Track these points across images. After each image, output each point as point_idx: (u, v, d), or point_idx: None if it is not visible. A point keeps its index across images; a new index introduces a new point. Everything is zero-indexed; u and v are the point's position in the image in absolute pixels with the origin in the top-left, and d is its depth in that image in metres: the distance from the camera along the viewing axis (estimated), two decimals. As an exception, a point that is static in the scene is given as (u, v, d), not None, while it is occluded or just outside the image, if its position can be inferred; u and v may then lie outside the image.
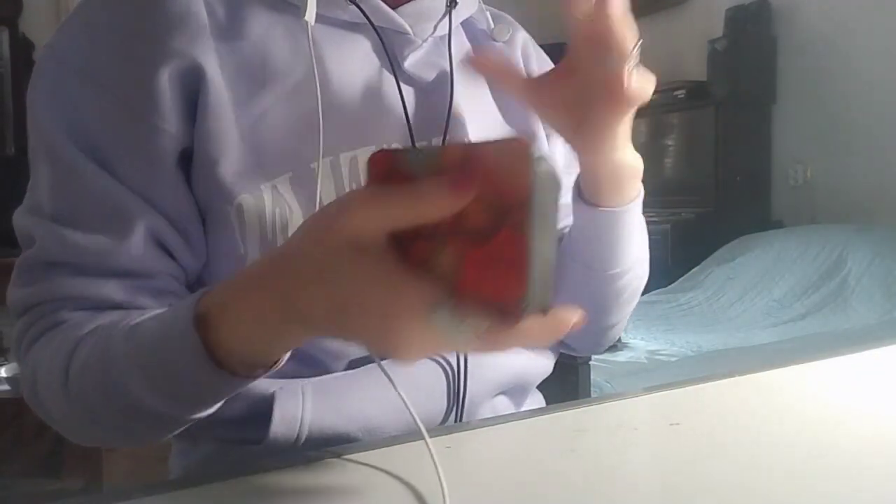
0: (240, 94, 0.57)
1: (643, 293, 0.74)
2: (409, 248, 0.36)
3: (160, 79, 0.54)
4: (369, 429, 0.57)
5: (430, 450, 0.45)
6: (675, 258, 3.14)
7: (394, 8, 0.63)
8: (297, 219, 0.56)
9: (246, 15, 0.59)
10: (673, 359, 2.07)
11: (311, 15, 0.58)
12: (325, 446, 0.50)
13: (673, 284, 3.03)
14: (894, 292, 2.46)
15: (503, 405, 0.67)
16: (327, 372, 0.58)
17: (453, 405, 0.61)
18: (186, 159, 0.56)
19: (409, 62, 0.64)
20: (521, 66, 0.74)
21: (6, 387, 1.96)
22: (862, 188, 2.95)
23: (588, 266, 0.66)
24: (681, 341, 2.24)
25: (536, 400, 0.75)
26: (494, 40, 0.74)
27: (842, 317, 2.43)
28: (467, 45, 0.72)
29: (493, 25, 0.74)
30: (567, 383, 0.89)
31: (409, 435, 0.50)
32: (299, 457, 0.47)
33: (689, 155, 3.43)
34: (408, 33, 0.64)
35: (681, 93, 3.38)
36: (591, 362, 0.95)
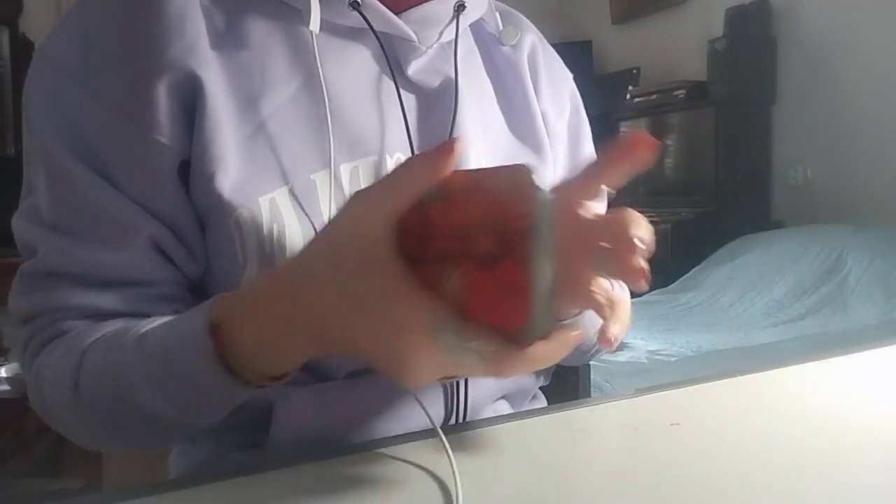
0: (238, 105, 0.56)
1: (643, 293, 0.74)
2: (417, 270, 0.36)
3: (157, 91, 0.53)
4: (370, 435, 0.57)
5: (445, 445, 0.45)
6: (675, 258, 3.14)
7: (398, 13, 0.61)
8: (295, 232, 0.55)
9: (244, 22, 0.58)
10: (673, 359, 2.07)
11: (315, 24, 0.57)
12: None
13: (673, 284, 3.03)
14: (894, 292, 2.46)
15: (504, 409, 0.66)
16: (328, 379, 0.58)
17: (452, 412, 0.61)
18: (185, 170, 0.55)
19: (413, 69, 0.63)
20: (527, 71, 0.73)
21: (6, 387, 1.95)
22: (862, 188, 2.95)
23: None
24: (681, 341, 2.24)
25: (538, 401, 0.74)
26: (502, 44, 0.72)
27: (842, 317, 2.43)
28: (474, 50, 0.70)
29: (501, 27, 0.72)
30: (567, 383, 0.89)
31: (410, 435, 0.50)
32: (300, 456, 0.47)
33: (689, 155, 3.43)
34: (412, 40, 0.62)
35: (681, 93, 3.38)
36: (591, 362, 0.95)
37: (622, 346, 2.14)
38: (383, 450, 0.47)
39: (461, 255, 0.34)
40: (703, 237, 3.18)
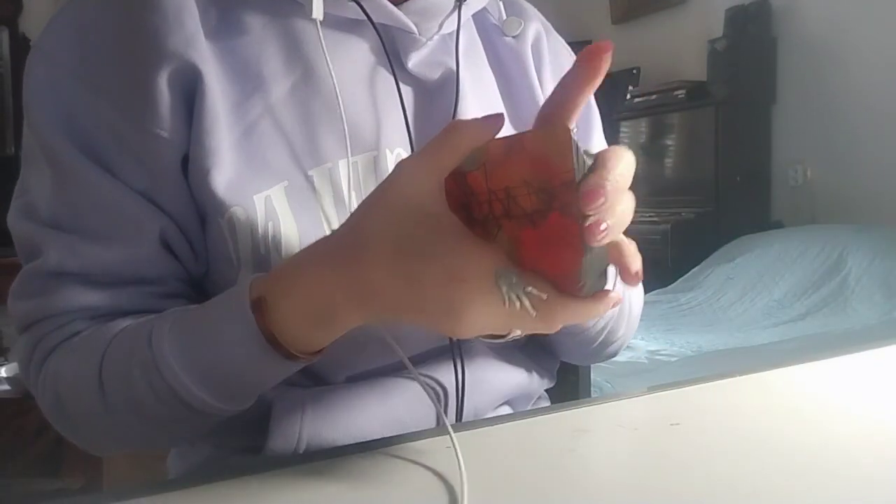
0: (234, 100, 0.55)
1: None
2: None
3: (157, 83, 0.52)
4: (370, 440, 0.56)
5: (453, 443, 0.45)
6: (675, 258, 3.14)
7: (397, 4, 0.60)
8: (290, 231, 0.54)
9: (240, 16, 0.57)
10: (673, 359, 2.07)
11: (318, 12, 0.56)
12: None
13: (673, 284, 3.03)
14: (894, 292, 2.46)
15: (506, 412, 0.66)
16: (327, 384, 0.57)
17: (453, 417, 0.60)
18: (187, 164, 0.54)
19: (413, 61, 0.61)
20: (531, 62, 0.71)
21: (6, 387, 1.95)
22: (862, 188, 2.95)
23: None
24: (681, 341, 2.24)
25: (541, 402, 0.74)
26: (505, 35, 0.70)
27: (842, 317, 2.43)
28: (477, 42, 0.69)
29: (504, 17, 0.70)
30: (567, 383, 0.89)
31: (413, 434, 0.50)
32: (300, 456, 0.47)
33: (689, 155, 3.43)
34: (412, 31, 0.61)
35: (681, 93, 3.38)
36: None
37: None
38: (384, 449, 0.47)
39: (507, 217, 0.37)
40: (703, 237, 3.18)
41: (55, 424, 0.56)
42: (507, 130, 0.67)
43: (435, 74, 0.63)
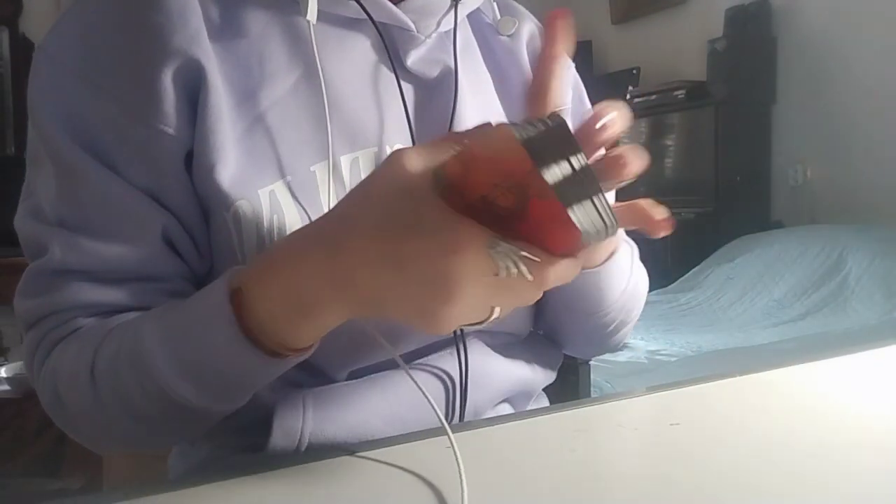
0: (237, 97, 0.55)
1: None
2: None
3: (162, 80, 0.53)
4: (370, 440, 0.56)
5: (452, 445, 0.45)
6: (675, 258, 3.14)
7: (396, 3, 0.61)
8: (295, 224, 0.54)
9: (241, 13, 0.58)
10: (673, 359, 2.07)
11: (312, 14, 0.57)
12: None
13: (673, 284, 3.03)
14: (894, 292, 2.46)
15: (506, 412, 0.66)
16: (328, 382, 0.57)
17: (452, 415, 0.60)
18: (190, 160, 0.55)
19: (412, 59, 0.62)
20: (526, 61, 0.72)
21: (6, 387, 1.96)
22: (862, 188, 2.95)
23: (568, 307, 0.67)
24: (681, 341, 2.24)
25: (541, 401, 0.74)
26: (500, 35, 0.72)
27: (842, 317, 2.43)
28: (472, 41, 0.70)
29: (499, 17, 0.72)
30: (567, 383, 0.89)
31: (412, 434, 0.50)
32: (303, 456, 0.47)
33: (689, 155, 3.43)
34: (410, 29, 0.62)
35: (681, 93, 3.38)
36: (591, 362, 0.94)
37: (622, 346, 2.14)
38: (385, 449, 0.47)
39: (497, 222, 0.36)
40: (702, 237, 3.18)
41: (55, 420, 0.56)
42: (501, 121, 0.68)
43: (434, 72, 0.64)
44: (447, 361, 0.60)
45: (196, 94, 0.54)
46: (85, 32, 0.55)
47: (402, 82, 0.61)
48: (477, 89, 0.67)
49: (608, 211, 0.36)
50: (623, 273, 0.65)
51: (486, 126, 0.38)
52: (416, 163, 0.38)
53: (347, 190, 0.58)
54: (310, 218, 0.55)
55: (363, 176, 0.58)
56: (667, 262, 3.12)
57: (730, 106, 3.24)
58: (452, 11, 0.65)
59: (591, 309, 0.66)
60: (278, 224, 0.54)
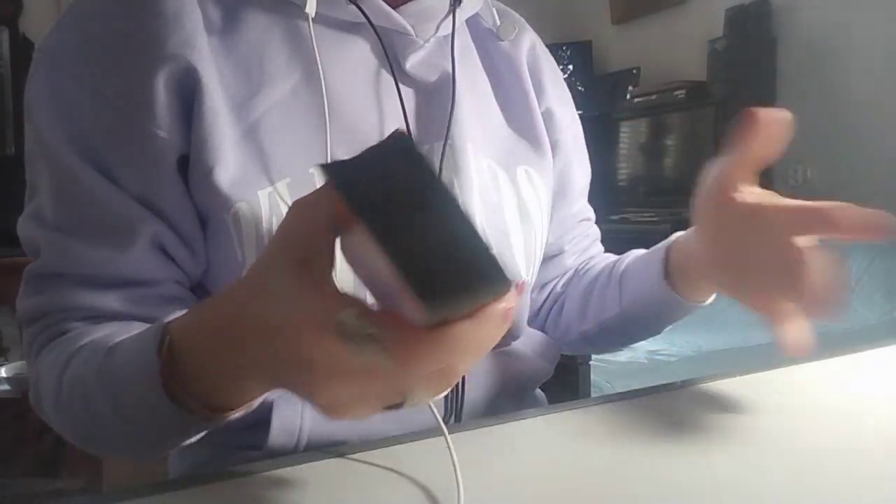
0: (236, 98, 0.56)
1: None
2: None
3: (155, 84, 0.53)
4: (369, 437, 0.57)
5: (449, 447, 0.45)
6: (675, 258, 3.14)
7: (395, 7, 0.61)
8: None
9: (242, 15, 0.58)
10: (673, 359, 2.07)
11: (311, 6, 0.57)
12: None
13: (673, 284, 3.03)
14: (894, 292, 2.46)
15: (503, 409, 0.66)
16: None
17: (451, 414, 0.60)
18: (185, 165, 0.55)
19: (411, 63, 0.62)
20: (525, 68, 0.73)
21: (6, 387, 1.96)
22: (862, 188, 2.95)
23: (634, 322, 0.71)
24: (681, 341, 2.24)
25: (540, 402, 0.74)
26: (500, 40, 0.72)
27: (842, 317, 2.43)
28: (471, 46, 0.70)
29: (498, 22, 0.72)
30: (567, 383, 0.89)
31: (414, 434, 0.50)
32: (301, 457, 0.47)
33: (689, 155, 3.43)
34: (409, 34, 0.62)
35: (681, 93, 3.38)
36: (591, 362, 0.95)
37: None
38: (383, 450, 0.47)
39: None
40: (703, 237, 3.18)
41: (39, 415, 0.57)
42: (501, 132, 0.68)
43: (432, 76, 0.64)
44: None
45: (191, 97, 0.54)
46: (84, 35, 0.55)
47: (401, 86, 0.61)
48: (475, 94, 0.67)
49: (468, 289, 0.28)
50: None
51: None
52: (300, 225, 0.34)
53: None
54: None
55: None
56: (667, 262, 3.12)
57: (730, 106, 3.25)
58: (451, 16, 0.65)
59: (655, 329, 0.71)
60: (278, 225, 0.54)
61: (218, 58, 0.56)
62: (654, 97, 3.53)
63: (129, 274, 0.55)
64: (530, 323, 0.74)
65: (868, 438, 0.48)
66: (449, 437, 0.45)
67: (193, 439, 0.48)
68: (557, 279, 0.80)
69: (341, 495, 0.41)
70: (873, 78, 2.89)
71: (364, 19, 0.60)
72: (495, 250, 0.28)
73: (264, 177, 0.55)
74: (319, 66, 0.57)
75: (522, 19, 0.77)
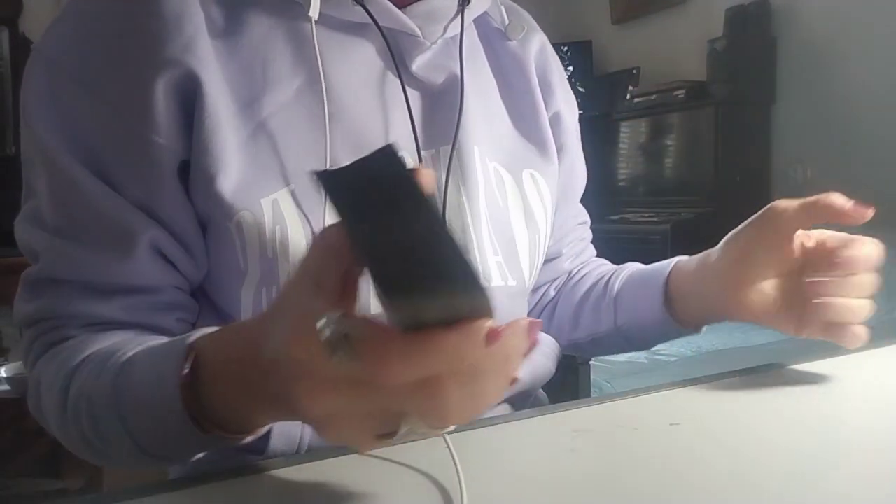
0: (238, 104, 0.54)
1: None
2: None
3: (155, 90, 0.52)
4: None
5: (449, 448, 0.45)
6: (675, 258, 3.13)
7: (401, 8, 0.60)
8: (298, 234, 0.54)
9: (244, 18, 0.56)
10: (673, 359, 2.07)
11: (314, 10, 0.56)
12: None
13: (673, 284, 3.03)
14: (894, 292, 2.45)
15: (505, 412, 0.66)
16: None
17: None
18: (185, 171, 0.54)
19: (417, 65, 0.61)
20: (532, 69, 0.72)
21: (6, 387, 1.95)
22: (862, 188, 2.95)
23: (628, 340, 0.73)
24: (681, 341, 2.22)
25: (538, 399, 0.74)
26: (508, 39, 0.71)
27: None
28: (478, 46, 0.69)
29: (507, 21, 0.70)
30: (567, 383, 0.89)
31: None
32: (301, 457, 0.47)
33: (689, 155, 3.43)
34: (416, 35, 0.61)
35: (681, 93, 3.38)
36: (591, 362, 0.94)
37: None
38: (383, 450, 0.47)
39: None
40: (703, 237, 3.16)
41: (37, 419, 0.56)
42: (508, 135, 0.68)
43: (439, 78, 0.63)
44: None
45: (192, 103, 0.53)
46: (82, 35, 0.54)
47: (408, 88, 0.60)
48: (482, 95, 0.66)
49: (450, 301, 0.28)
50: None
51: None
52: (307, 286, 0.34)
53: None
54: (311, 228, 0.54)
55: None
56: (667, 262, 3.12)
57: (730, 106, 3.25)
58: (459, 17, 0.63)
59: (647, 348, 0.73)
60: (281, 235, 0.53)
61: (220, 61, 0.54)
62: (653, 97, 3.53)
63: (130, 281, 0.54)
64: None
65: (868, 438, 0.48)
66: (448, 438, 0.45)
67: (199, 455, 0.49)
68: (550, 283, 0.80)
69: (342, 495, 0.41)
70: (873, 78, 2.89)
71: (370, 20, 0.58)
72: (474, 263, 0.28)
73: (267, 184, 0.54)
74: (321, 70, 0.56)
75: (531, 18, 0.76)
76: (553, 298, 0.80)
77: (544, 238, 0.69)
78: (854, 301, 0.59)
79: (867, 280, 0.60)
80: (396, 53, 0.60)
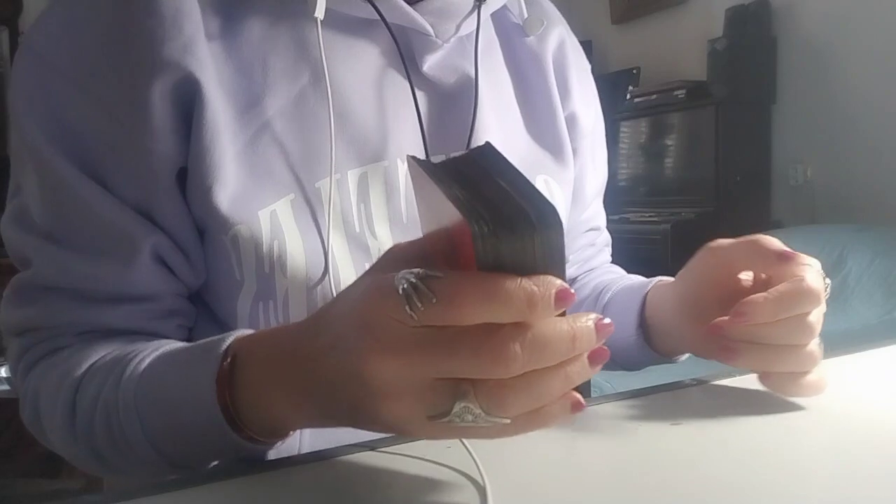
0: (238, 107, 0.52)
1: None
2: None
3: (152, 94, 0.49)
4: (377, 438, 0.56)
5: (466, 448, 0.45)
6: (675, 258, 3.13)
7: (413, 4, 0.56)
8: (296, 248, 0.52)
9: (245, 16, 0.53)
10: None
11: (320, 10, 0.53)
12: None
13: (673, 284, 3.02)
14: (894, 292, 2.45)
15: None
16: None
17: None
18: (183, 176, 0.52)
19: (428, 65, 0.58)
20: (550, 65, 0.68)
21: (6, 387, 1.95)
22: (862, 188, 2.95)
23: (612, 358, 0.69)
24: (681, 341, 2.23)
25: None
26: (526, 35, 0.67)
27: (842, 317, 2.43)
28: (494, 42, 0.65)
29: (526, 15, 0.66)
30: (567, 383, 0.89)
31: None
32: (301, 457, 0.47)
33: (689, 155, 3.43)
34: (428, 34, 0.57)
35: (681, 93, 3.38)
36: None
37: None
38: (382, 450, 0.47)
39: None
40: (703, 237, 3.14)
41: (35, 435, 0.55)
42: (521, 139, 0.65)
43: (451, 79, 0.59)
44: None
45: (190, 108, 0.50)
46: (73, 30, 0.51)
47: (417, 90, 0.57)
48: (496, 95, 0.63)
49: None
50: None
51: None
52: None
53: (354, 208, 0.54)
54: (314, 239, 0.52)
55: (371, 192, 0.55)
56: (667, 263, 3.11)
57: (730, 106, 3.24)
58: (475, 13, 0.59)
59: (631, 370, 0.69)
60: (278, 250, 0.51)
61: (219, 62, 0.52)
62: (654, 97, 3.53)
63: (130, 290, 0.52)
64: None
65: (868, 438, 0.48)
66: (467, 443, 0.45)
67: (214, 462, 0.48)
68: None
69: (343, 495, 0.41)
70: (873, 78, 2.89)
71: (378, 17, 0.55)
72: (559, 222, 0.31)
73: (266, 194, 0.52)
74: (326, 69, 0.53)
75: (554, 9, 0.71)
76: None
77: None
78: (791, 347, 0.51)
79: (798, 322, 0.52)
80: (406, 53, 0.57)
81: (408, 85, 0.57)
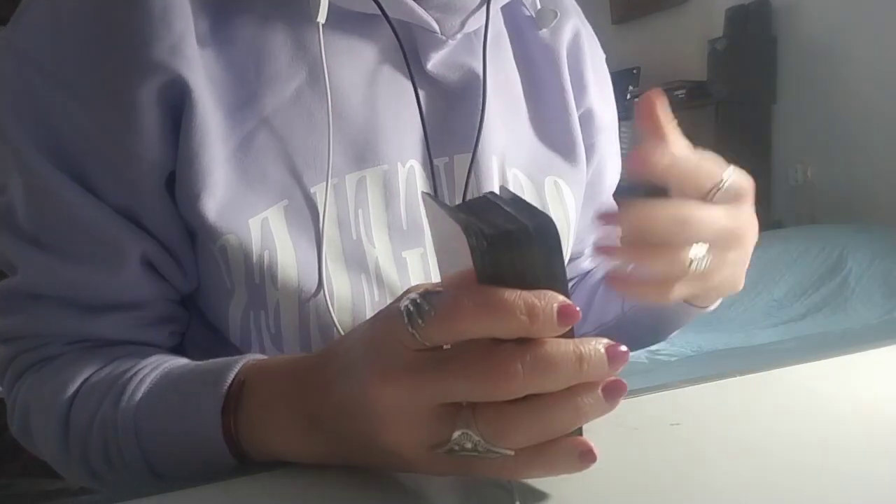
0: (229, 109, 0.49)
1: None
2: None
3: (139, 97, 0.47)
4: None
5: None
6: (676, 258, 3.13)
7: None
8: (288, 258, 0.50)
9: (237, 13, 0.51)
10: (673, 359, 2.07)
11: (322, 14, 0.50)
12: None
13: (673, 284, 3.03)
14: (894, 292, 2.45)
15: None
16: None
17: None
18: (172, 181, 0.50)
19: (433, 63, 0.55)
20: (564, 60, 0.65)
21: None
22: (862, 188, 2.95)
23: (637, 327, 0.68)
24: (681, 341, 2.23)
25: None
26: (538, 28, 0.64)
27: (842, 317, 2.43)
28: (503, 37, 0.62)
29: (538, 6, 0.63)
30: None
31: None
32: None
33: (689, 155, 3.43)
34: (433, 30, 0.54)
35: (681, 93, 3.38)
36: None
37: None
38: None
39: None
40: (703, 237, 3.17)
41: (23, 445, 0.54)
42: (528, 140, 0.63)
43: (456, 77, 0.56)
44: None
45: (179, 111, 0.48)
46: (56, 26, 0.48)
47: (420, 90, 0.54)
48: (504, 96, 0.60)
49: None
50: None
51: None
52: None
53: (351, 214, 0.52)
54: (308, 248, 0.51)
55: (370, 198, 0.52)
56: (667, 262, 3.12)
57: (730, 106, 3.25)
58: (482, 9, 0.56)
59: (656, 338, 0.67)
60: (269, 260, 0.50)
61: (209, 62, 0.49)
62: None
63: (120, 297, 0.50)
64: None
65: (868, 438, 0.48)
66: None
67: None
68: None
69: (343, 495, 0.41)
70: (873, 78, 2.89)
71: (379, 12, 0.52)
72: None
73: (257, 201, 0.49)
74: (325, 67, 0.51)
75: (571, 3, 0.68)
76: None
77: (565, 247, 0.66)
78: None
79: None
80: (409, 50, 0.54)
81: (410, 84, 0.54)
